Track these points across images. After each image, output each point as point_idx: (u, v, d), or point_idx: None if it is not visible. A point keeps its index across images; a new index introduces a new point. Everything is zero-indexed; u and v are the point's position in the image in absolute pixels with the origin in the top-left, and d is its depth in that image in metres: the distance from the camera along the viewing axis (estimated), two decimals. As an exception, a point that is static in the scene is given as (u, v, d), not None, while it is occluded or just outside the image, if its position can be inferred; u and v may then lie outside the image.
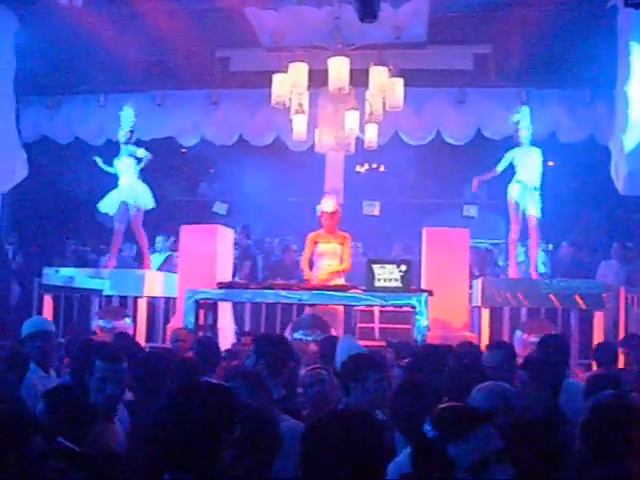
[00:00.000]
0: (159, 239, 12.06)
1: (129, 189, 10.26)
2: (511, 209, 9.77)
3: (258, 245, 13.59)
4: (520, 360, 5.53)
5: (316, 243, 9.09)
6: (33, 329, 5.49)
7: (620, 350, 7.41)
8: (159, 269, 11.35)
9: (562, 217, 9.99)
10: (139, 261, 11.28)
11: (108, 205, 10.26)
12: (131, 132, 10.32)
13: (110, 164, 10.41)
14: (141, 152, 10.30)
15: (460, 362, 5.19)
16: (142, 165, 10.31)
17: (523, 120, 9.73)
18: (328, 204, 9.07)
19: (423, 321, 7.59)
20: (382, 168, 16.24)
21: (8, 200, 12.31)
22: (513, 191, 9.68)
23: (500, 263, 12.78)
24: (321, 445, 2.55)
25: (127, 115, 10.33)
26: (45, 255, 12.46)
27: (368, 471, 2.53)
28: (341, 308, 9.00)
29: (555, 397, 4.52)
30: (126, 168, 10.27)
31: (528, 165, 9.64)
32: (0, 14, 10.65)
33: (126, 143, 10.30)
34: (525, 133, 9.71)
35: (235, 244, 11.10)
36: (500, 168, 9.77)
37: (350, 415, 2.72)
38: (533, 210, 9.60)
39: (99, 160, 10.43)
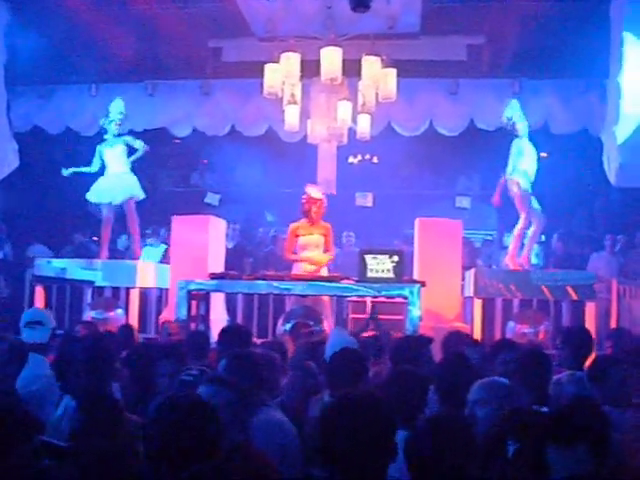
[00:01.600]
0: (149, 232, 11.99)
1: (119, 179, 10.15)
2: (521, 199, 9.53)
3: (246, 235, 13.52)
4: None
5: (297, 235, 9.01)
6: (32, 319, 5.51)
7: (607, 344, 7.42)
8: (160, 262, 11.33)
9: (554, 208, 9.97)
10: (131, 253, 11.24)
11: (96, 194, 10.14)
12: (118, 124, 10.18)
13: (93, 152, 10.26)
14: (139, 144, 10.17)
15: (449, 353, 5.20)
16: (137, 156, 10.21)
17: (516, 113, 9.60)
18: (315, 190, 8.99)
19: (415, 312, 7.59)
20: (375, 159, 16.21)
21: (-1, 190, 12.27)
22: (523, 181, 9.47)
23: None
24: (339, 425, 2.56)
25: (116, 107, 10.21)
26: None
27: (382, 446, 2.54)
28: (327, 298, 8.98)
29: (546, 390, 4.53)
30: (117, 157, 10.15)
31: (529, 157, 9.55)
32: (-9, 4, 10.60)
33: (119, 135, 10.17)
34: (522, 125, 9.58)
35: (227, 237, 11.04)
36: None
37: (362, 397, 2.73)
38: (535, 203, 9.49)
39: (68, 172, 10.31)
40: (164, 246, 11.95)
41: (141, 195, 10.27)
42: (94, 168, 10.22)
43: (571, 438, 2.69)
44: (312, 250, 8.93)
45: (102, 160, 10.18)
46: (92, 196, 10.16)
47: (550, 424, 2.76)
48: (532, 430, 2.76)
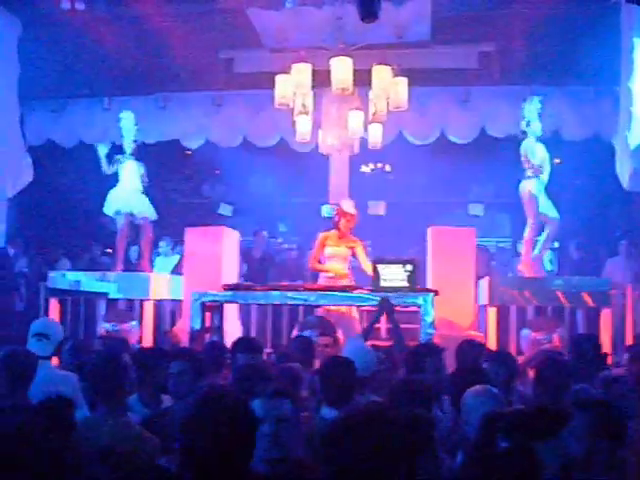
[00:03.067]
0: (162, 243, 12.01)
1: (136, 193, 10.19)
2: (529, 204, 9.56)
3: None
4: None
5: (324, 245, 9.06)
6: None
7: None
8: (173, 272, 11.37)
9: (567, 215, 9.92)
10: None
11: (113, 205, 10.19)
12: (135, 142, 10.25)
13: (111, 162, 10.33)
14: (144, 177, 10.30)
15: (462, 362, 5.20)
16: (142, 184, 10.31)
17: (534, 112, 9.67)
18: (348, 204, 9.07)
19: (429, 320, 7.57)
20: (387, 168, 16.22)
21: (14, 204, 12.33)
22: (533, 186, 9.51)
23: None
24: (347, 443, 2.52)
25: (128, 122, 10.27)
26: (52, 259, 12.51)
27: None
28: (355, 311, 8.96)
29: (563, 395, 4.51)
30: (129, 173, 10.20)
31: (543, 159, 9.59)
32: (3, 19, 10.66)
33: (132, 154, 10.22)
34: (535, 125, 9.63)
35: (246, 248, 11.04)
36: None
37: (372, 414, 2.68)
38: (551, 209, 9.51)
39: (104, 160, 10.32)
40: (177, 256, 11.99)
41: (152, 216, 10.34)
42: (109, 170, 10.29)
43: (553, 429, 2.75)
44: (338, 262, 8.95)
45: (117, 169, 10.25)
46: (109, 209, 10.20)
47: (532, 421, 2.80)
48: (522, 427, 2.79)
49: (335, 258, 8.99)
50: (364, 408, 2.82)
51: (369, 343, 8.63)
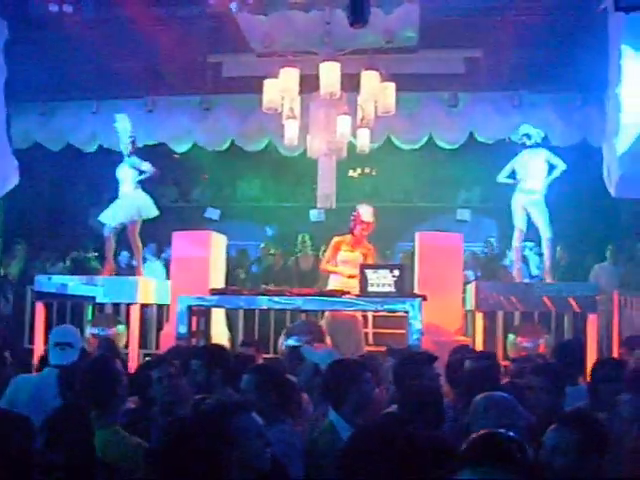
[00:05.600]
0: (147, 249, 11.96)
1: (130, 200, 10.12)
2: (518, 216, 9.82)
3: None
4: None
5: (338, 249, 9.01)
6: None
7: (620, 350, 7.55)
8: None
9: (555, 220, 9.96)
10: (130, 269, 11.23)
11: (110, 216, 10.12)
12: (132, 142, 10.21)
13: (106, 171, 10.27)
14: (146, 166, 10.13)
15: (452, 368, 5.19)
16: (145, 177, 10.17)
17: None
18: (368, 213, 9.02)
19: (417, 326, 7.58)
20: (375, 172, 16.22)
21: (-1, 207, 12.27)
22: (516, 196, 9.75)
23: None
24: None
25: (123, 124, 10.23)
26: (38, 262, 12.45)
27: None
28: (359, 316, 8.92)
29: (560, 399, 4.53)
30: (127, 178, 10.15)
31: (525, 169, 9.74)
32: (-10, 21, 10.62)
33: (129, 155, 10.17)
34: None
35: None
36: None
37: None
38: (545, 230, 9.70)
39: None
40: (159, 263, 11.98)
41: (152, 213, 10.22)
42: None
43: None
44: (351, 268, 8.86)
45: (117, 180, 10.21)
46: (103, 217, 10.14)
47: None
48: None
49: (349, 263, 8.92)
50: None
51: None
